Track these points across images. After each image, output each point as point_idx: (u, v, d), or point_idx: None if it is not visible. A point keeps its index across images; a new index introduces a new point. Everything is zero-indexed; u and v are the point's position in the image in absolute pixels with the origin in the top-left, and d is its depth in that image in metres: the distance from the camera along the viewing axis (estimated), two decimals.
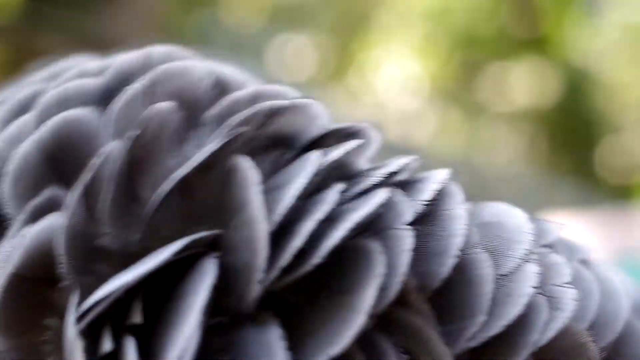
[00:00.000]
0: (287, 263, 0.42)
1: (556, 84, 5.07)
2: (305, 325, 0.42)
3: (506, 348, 0.44)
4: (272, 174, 0.46)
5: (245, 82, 0.53)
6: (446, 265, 0.44)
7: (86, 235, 0.46)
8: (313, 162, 0.46)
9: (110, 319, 0.44)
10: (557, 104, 5.18)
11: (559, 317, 0.44)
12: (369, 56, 5.52)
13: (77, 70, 0.54)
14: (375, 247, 0.43)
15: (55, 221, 0.46)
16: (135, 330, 0.43)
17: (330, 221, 0.43)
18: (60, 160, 0.48)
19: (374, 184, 0.47)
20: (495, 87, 5.26)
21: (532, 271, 0.45)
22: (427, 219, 0.46)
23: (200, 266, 0.44)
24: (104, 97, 0.50)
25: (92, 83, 0.51)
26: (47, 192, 0.48)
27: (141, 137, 0.47)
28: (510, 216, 0.48)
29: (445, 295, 0.45)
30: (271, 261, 0.42)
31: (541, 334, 0.44)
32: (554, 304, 0.45)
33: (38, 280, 0.46)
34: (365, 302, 0.41)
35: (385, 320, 0.43)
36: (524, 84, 5.13)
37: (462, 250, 0.45)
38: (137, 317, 0.43)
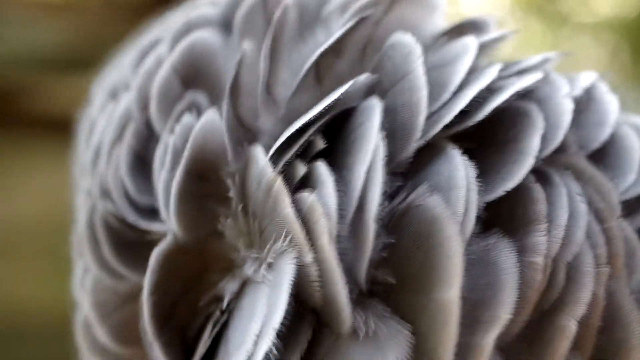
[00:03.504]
0: (448, 121, 0.48)
1: None
2: (480, 166, 0.47)
3: None
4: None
5: None
6: (604, 133, 0.52)
7: (241, 121, 0.52)
8: (472, 44, 0.53)
9: (295, 155, 0.49)
10: None
11: None
12: None
13: (197, 4, 0.60)
14: (533, 107, 0.50)
15: (210, 117, 0.52)
16: (320, 157, 0.49)
17: (492, 90, 0.50)
18: (192, 74, 0.55)
19: (530, 66, 0.54)
20: None
21: None
22: (584, 99, 0.54)
23: (366, 103, 0.50)
24: (222, 20, 0.57)
25: (211, 10, 0.58)
26: (187, 98, 0.54)
27: (275, 34, 0.53)
28: None
29: (600, 157, 0.52)
30: (434, 120, 0.48)
31: None
32: None
33: (203, 173, 0.51)
34: (531, 147, 0.48)
35: (554, 162, 0.50)
36: None
37: (615, 125, 0.53)
38: (320, 144, 0.49)
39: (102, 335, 0.59)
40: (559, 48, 5.20)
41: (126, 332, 0.56)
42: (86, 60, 0.68)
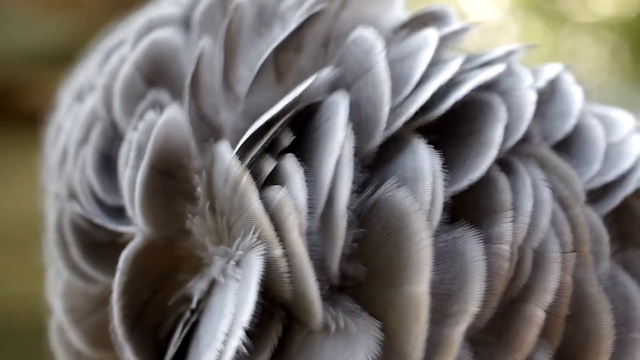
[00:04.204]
0: (412, 113, 0.48)
1: None
2: (445, 158, 0.47)
3: (618, 190, 0.51)
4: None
5: None
6: (568, 123, 0.52)
7: (203, 117, 0.51)
8: (432, 37, 0.52)
9: (261, 151, 0.48)
10: None
11: None
12: None
13: (159, 4, 0.60)
14: (496, 98, 0.50)
15: (172, 113, 0.51)
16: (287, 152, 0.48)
17: (454, 82, 0.49)
18: (154, 72, 0.55)
19: (494, 58, 0.53)
20: None
21: (637, 139, 0.53)
22: (548, 92, 0.53)
23: (331, 98, 0.49)
24: (183, 19, 0.57)
25: (172, 9, 0.58)
26: (150, 96, 0.54)
27: (229, 31, 0.53)
28: (614, 111, 0.57)
29: (564, 148, 0.51)
30: (397, 113, 0.48)
31: None
32: None
33: (168, 170, 0.51)
34: (494, 138, 0.48)
35: (517, 153, 0.49)
36: None
37: (579, 116, 0.53)
38: (287, 139, 0.48)
39: (75, 339, 0.58)
40: (559, 47, 5.19)
41: (100, 336, 0.55)
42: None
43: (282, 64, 0.52)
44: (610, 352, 0.47)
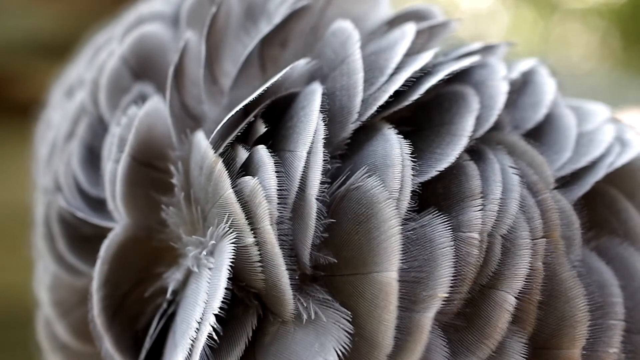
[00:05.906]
0: (382, 102, 0.48)
1: None
2: (416, 148, 0.47)
3: (588, 176, 0.51)
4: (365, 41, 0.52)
5: None
6: (539, 113, 0.52)
7: (186, 109, 0.51)
8: (410, 31, 0.53)
9: (235, 141, 0.48)
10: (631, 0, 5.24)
11: (626, 153, 0.53)
12: None
13: (150, 2, 0.61)
14: (469, 90, 0.50)
15: (154, 104, 0.51)
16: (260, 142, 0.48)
17: (427, 73, 0.50)
18: (141, 65, 0.55)
19: (470, 51, 0.54)
20: None
21: (610, 128, 0.54)
22: (522, 84, 0.54)
23: (308, 88, 0.50)
24: (173, 15, 0.57)
25: (163, 7, 0.58)
26: (136, 89, 0.54)
27: (213, 24, 0.52)
28: (590, 103, 0.57)
29: (536, 136, 0.52)
30: (370, 102, 0.48)
31: (612, 165, 0.51)
32: (624, 145, 0.53)
33: (149, 161, 0.51)
34: (465, 128, 0.48)
35: (487, 140, 0.50)
36: None
37: (551, 106, 0.53)
38: (261, 128, 0.49)
39: (62, 332, 0.58)
40: (549, 35, 5.19)
41: (85, 329, 0.54)
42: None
43: (267, 59, 0.52)
44: (586, 337, 0.47)
